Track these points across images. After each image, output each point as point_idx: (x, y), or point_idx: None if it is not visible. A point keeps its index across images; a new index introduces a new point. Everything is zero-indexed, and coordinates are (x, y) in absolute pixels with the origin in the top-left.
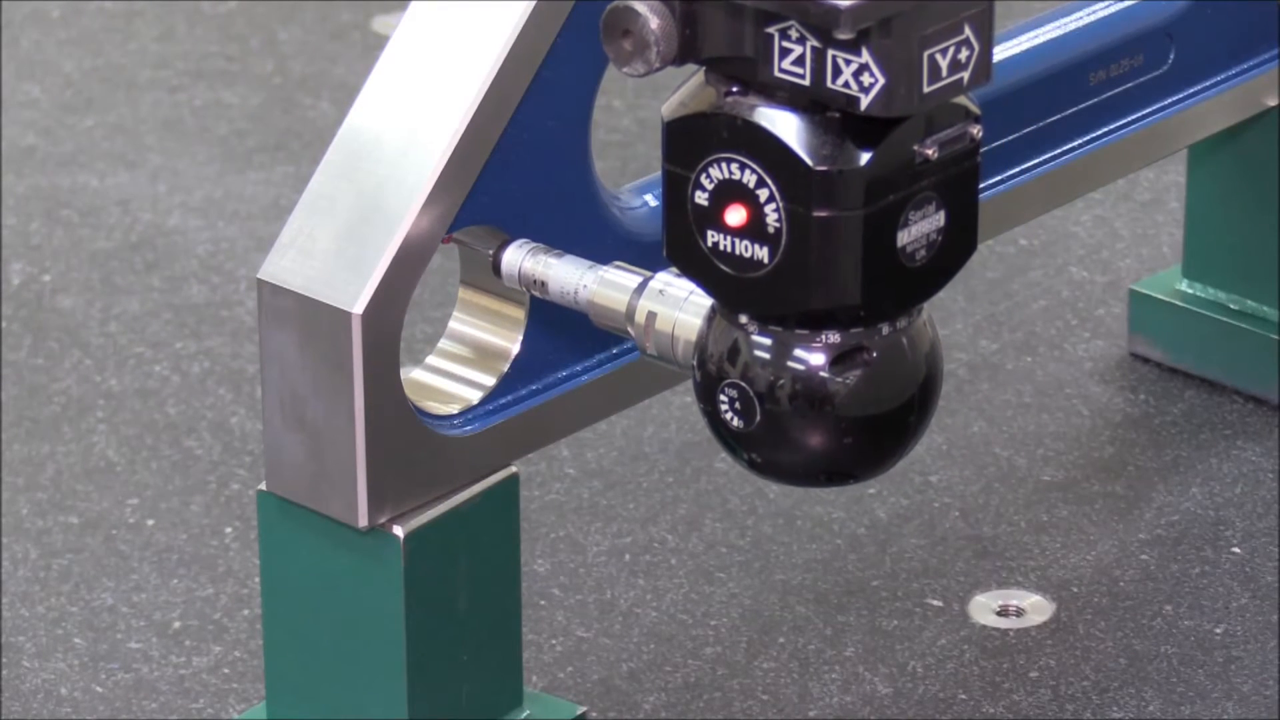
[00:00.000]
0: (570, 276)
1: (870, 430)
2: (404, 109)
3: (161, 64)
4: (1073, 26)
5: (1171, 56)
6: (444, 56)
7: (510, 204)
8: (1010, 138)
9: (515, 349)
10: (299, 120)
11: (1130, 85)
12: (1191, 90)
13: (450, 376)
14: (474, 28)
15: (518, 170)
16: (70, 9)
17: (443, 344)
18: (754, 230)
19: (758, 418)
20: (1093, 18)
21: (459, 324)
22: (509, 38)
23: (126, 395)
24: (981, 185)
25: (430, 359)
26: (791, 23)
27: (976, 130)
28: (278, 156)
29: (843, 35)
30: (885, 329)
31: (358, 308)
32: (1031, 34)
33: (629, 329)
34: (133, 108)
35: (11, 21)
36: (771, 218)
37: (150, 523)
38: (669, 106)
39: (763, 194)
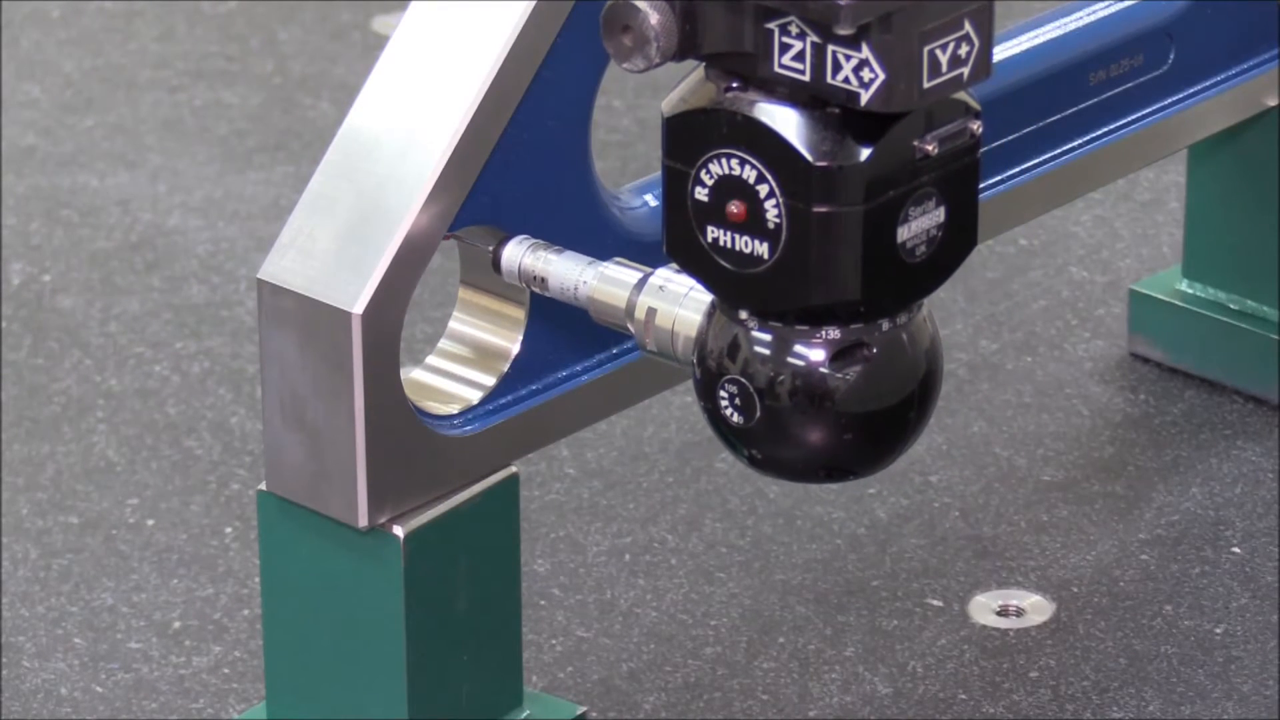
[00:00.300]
0: (570, 272)
1: (870, 426)
2: (404, 109)
3: (161, 64)
4: (1073, 26)
5: (1171, 56)
6: (444, 56)
7: (510, 204)
8: (1010, 138)
9: (515, 349)
10: (299, 120)
11: (1130, 85)
12: (1191, 90)
13: (450, 376)
14: (474, 28)
15: (518, 170)
16: (70, 9)
17: (443, 344)
18: (754, 226)
19: (758, 414)
20: (1093, 18)
21: (459, 324)
22: (509, 38)
23: (126, 395)
24: (981, 185)
25: (430, 359)
26: (791, 18)
27: (977, 126)
28: (278, 156)
29: (843, 30)
30: (885, 325)
31: (358, 308)
32: (1031, 34)
33: (629, 325)
34: (133, 108)
35: (11, 21)
36: (771, 213)
37: (150, 523)
38: (669, 102)
39: (763, 189)
